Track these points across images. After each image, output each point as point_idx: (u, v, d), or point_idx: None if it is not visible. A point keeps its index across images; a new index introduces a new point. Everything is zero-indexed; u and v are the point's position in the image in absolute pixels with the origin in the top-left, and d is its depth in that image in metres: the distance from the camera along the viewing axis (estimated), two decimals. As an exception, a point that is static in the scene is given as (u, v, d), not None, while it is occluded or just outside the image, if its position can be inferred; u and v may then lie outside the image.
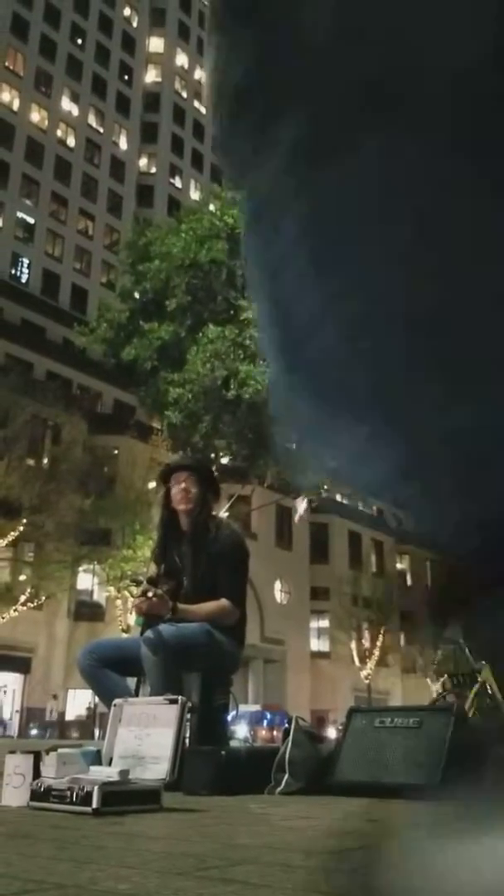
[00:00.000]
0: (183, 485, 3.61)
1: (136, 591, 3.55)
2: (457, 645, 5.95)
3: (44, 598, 26.81)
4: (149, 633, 3.23)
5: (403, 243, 0.59)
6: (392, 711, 3.13)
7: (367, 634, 41.55)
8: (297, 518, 24.44)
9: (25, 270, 43.67)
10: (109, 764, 2.55)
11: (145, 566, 25.43)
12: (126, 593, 25.97)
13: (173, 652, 3.20)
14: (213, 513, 3.80)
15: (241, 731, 21.36)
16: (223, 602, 3.47)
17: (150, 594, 3.32)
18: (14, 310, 39.18)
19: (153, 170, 53.38)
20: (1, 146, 42.76)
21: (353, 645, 40.34)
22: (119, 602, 28.57)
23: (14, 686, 30.07)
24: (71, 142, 47.56)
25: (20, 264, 43.47)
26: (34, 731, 28.18)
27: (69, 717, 30.80)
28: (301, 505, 21.35)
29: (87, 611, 31.44)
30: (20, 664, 29.54)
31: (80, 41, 49.08)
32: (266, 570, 33.85)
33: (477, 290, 0.58)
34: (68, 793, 2.18)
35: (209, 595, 3.46)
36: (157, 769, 2.46)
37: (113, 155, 50.76)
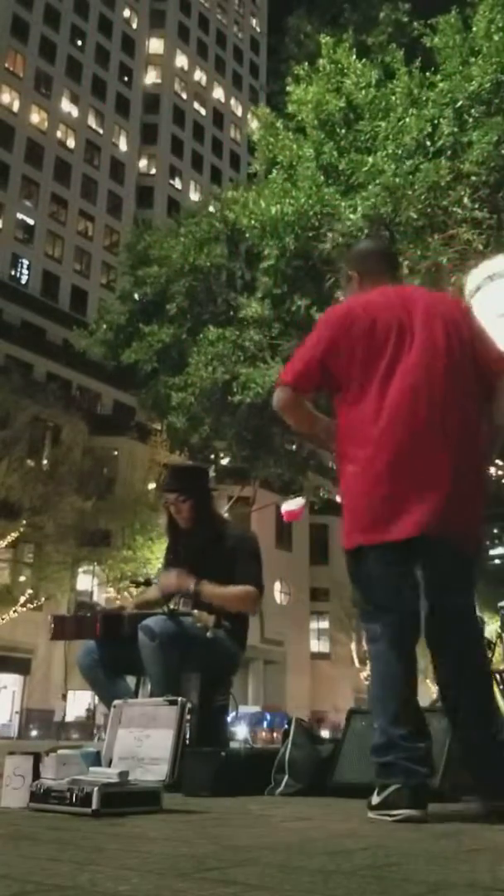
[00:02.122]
0: (172, 507, 3.61)
1: (135, 591, 3.56)
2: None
3: (44, 599, 26.80)
4: (147, 621, 3.22)
5: None
6: (392, 712, 3.12)
7: (367, 635, 41.53)
8: (283, 512, 24.15)
9: (25, 271, 43.67)
10: (109, 765, 2.55)
11: (145, 567, 25.43)
12: (126, 595, 25.94)
13: (171, 639, 3.18)
14: (218, 510, 3.80)
15: (240, 732, 21.35)
16: (248, 588, 3.45)
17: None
18: (14, 311, 39.19)
19: (153, 171, 53.38)
20: (1, 147, 42.77)
21: (353, 646, 40.31)
22: (119, 603, 28.50)
23: (14, 687, 30.06)
24: (71, 143, 47.57)
25: (20, 265, 43.46)
26: (34, 733, 28.17)
27: (69, 718, 30.79)
28: (296, 503, 21.21)
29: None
30: (20, 665, 29.53)
31: (79, 43, 49.09)
32: (266, 571, 33.59)
33: None
34: (68, 794, 2.18)
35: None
36: (156, 770, 2.46)
37: (112, 156, 50.76)
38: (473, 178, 9.02)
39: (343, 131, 10.48)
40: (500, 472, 12.43)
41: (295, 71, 11.08)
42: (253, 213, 10.45)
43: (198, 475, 3.90)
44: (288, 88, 11.02)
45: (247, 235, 10.78)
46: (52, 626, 3.62)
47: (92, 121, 49.55)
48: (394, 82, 10.28)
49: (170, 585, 3.40)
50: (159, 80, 55.06)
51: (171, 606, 3.32)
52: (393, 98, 10.15)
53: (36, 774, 2.39)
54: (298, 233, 9.95)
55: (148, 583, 3.94)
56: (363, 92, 10.35)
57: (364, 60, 10.63)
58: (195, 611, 3.30)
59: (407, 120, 9.73)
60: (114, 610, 3.62)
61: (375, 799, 2.22)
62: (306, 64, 11.06)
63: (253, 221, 10.44)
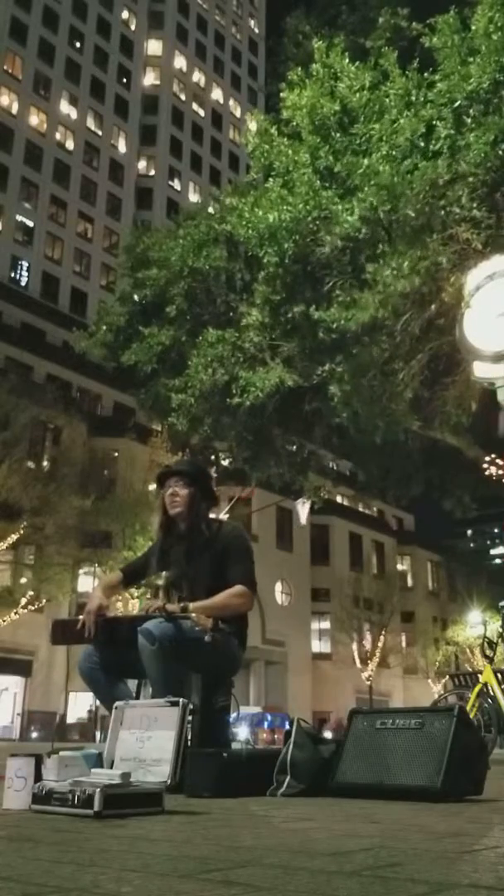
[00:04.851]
0: (171, 490, 3.59)
1: (136, 593, 3.55)
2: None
3: (45, 600, 26.80)
4: (147, 625, 3.21)
5: None
6: (393, 713, 3.12)
7: (368, 636, 41.53)
8: (302, 520, 24.29)
9: (25, 273, 43.68)
10: (111, 766, 2.55)
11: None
12: (127, 595, 25.97)
13: (171, 642, 3.18)
14: (211, 514, 3.78)
15: (242, 732, 21.35)
16: (237, 587, 3.43)
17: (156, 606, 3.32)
18: (14, 312, 39.18)
19: (152, 172, 53.40)
20: (0, 149, 42.80)
21: (355, 646, 40.30)
22: (120, 604, 28.57)
23: (16, 689, 30.04)
24: (70, 145, 47.58)
25: (20, 267, 43.48)
26: (36, 735, 28.17)
27: (70, 719, 30.78)
28: (303, 509, 21.28)
29: (88, 613, 31.37)
30: (21, 667, 29.52)
31: (78, 44, 49.11)
32: (267, 572, 33.85)
33: None
34: (70, 796, 2.18)
35: (214, 594, 3.43)
36: (158, 772, 2.46)
37: (112, 158, 50.78)
38: (471, 178, 9.01)
39: (338, 135, 10.47)
40: (500, 472, 12.43)
41: (289, 76, 11.08)
42: (250, 223, 10.43)
43: (206, 473, 3.93)
44: (282, 94, 11.02)
45: (244, 242, 10.77)
46: (52, 631, 3.62)
47: (91, 122, 49.57)
48: (387, 84, 10.27)
49: (154, 606, 3.37)
50: (158, 82, 55.08)
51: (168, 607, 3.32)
52: (387, 100, 10.14)
53: (38, 776, 2.39)
54: (297, 238, 9.95)
55: (148, 584, 3.96)
56: (357, 95, 10.34)
57: (357, 64, 10.62)
58: (194, 613, 3.30)
59: (401, 121, 9.73)
60: (111, 614, 3.60)
61: None
62: (300, 69, 11.04)
63: (250, 231, 10.42)
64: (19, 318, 39.44)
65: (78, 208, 47.27)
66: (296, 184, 10.28)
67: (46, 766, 2.43)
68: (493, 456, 12.37)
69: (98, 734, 25.63)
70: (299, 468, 14.01)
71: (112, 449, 32.69)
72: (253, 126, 12.90)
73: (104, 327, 13.13)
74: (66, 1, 48.41)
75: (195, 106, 57.29)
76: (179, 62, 56.78)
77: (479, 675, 6.25)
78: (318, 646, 42.51)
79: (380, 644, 40.69)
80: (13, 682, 29.92)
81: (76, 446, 29.81)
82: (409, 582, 48.18)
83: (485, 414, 10.45)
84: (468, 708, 5.66)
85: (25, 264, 43.73)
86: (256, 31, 65.08)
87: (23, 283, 43.14)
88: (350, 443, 12.80)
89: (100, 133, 49.98)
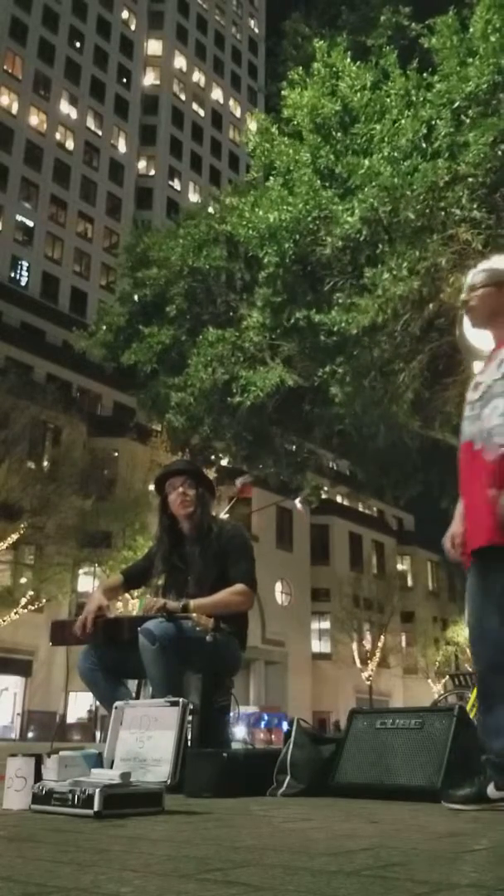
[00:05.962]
0: (180, 489, 3.62)
1: (136, 593, 3.57)
2: None
3: (45, 600, 26.80)
4: (147, 625, 3.22)
5: None
6: (393, 713, 3.13)
7: (368, 636, 41.54)
8: (297, 505, 24.33)
9: (25, 273, 43.67)
10: (111, 766, 2.55)
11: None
12: (127, 596, 25.92)
13: (171, 642, 3.18)
14: (213, 513, 3.82)
15: (239, 732, 21.31)
16: (237, 585, 3.46)
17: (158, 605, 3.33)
18: (14, 312, 39.17)
19: (152, 172, 53.39)
20: (0, 149, 42.79)
21: (355, 646, 40.30)
22: (120, 605, 28.55)
23: (16, 689, 30.03)
24: (70, 145, 47.57)
25: (20, 267, 43.46)
26: (36, 735, 28.16)
27: (70, 719, 30.78)
28: (299, 502, 21.38)
29: (88, 613, 31.35)
30: (21, 667, 29.52)
31: (78, 44, 49.09)
32: (267, 572, 33.85)
33: None
34: (70, 796, 2.18)
35: (216, 593, 3.45)
36: (158, 771, 2.46)
37: (112, 158, 50.77)
38: (470, 179, 9.00)
39: (339, 135, 10.45)
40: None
41: (290, 75, 11.06)
42: (250, 223, 10.41)
43: (199, 466, 3.98)
44: (283, 93, 11.00)
45: (244, 243, 10.75)
46: (52, 631, 3.62)
47: (91, 122, 49.55)
48: (388, 84, 10.26)
49: (156, 605, 3.38)
50: (158, 82, 55.07)
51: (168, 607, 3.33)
52: (388, 100, 10.12)
53: (38, 776, 2.39)
54: (297, 238, 9.94)
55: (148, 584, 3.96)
56: (358, 95, 10.33)
57: (359, 63, 10.60)
58: (194, 614, 3.31)
59: (402, 122, 9.72)
60: (111, 615, 3.61)
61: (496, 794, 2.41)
62: (301, 68, 11.02)
63: (250, 231, 10.40)
64: (19, 318, 39.43)
65: (78, 208, 47.25)
66: (296, 183, 10.26)
67: (46, 766, 2.43)
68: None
69: (98, 734, 25.64)
70: (298, 467, 14.02)
71: (112, 449, 32.70)
72: (253, 125, 12.90)
73: (104, 327, 13.12)
74: (66, 1, 48.39)
75: (195, 106, 57.27)
76: (179, 62, 56.77)
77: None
78: (318, 646, 42.50)
79: (380, 644, 40.70)
80: (13, 682, 29.91)
81: (76, 446, 29.81)
82: (409, 582, 48.19)
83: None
84: (468, 708, 5.65)
85: (25, 264, 43.71)
86: (256, 31, 65.07)
87: (23, 283, 43.13)
88: (349, 443, 12.81)
89: (100, 133, 49.97)
